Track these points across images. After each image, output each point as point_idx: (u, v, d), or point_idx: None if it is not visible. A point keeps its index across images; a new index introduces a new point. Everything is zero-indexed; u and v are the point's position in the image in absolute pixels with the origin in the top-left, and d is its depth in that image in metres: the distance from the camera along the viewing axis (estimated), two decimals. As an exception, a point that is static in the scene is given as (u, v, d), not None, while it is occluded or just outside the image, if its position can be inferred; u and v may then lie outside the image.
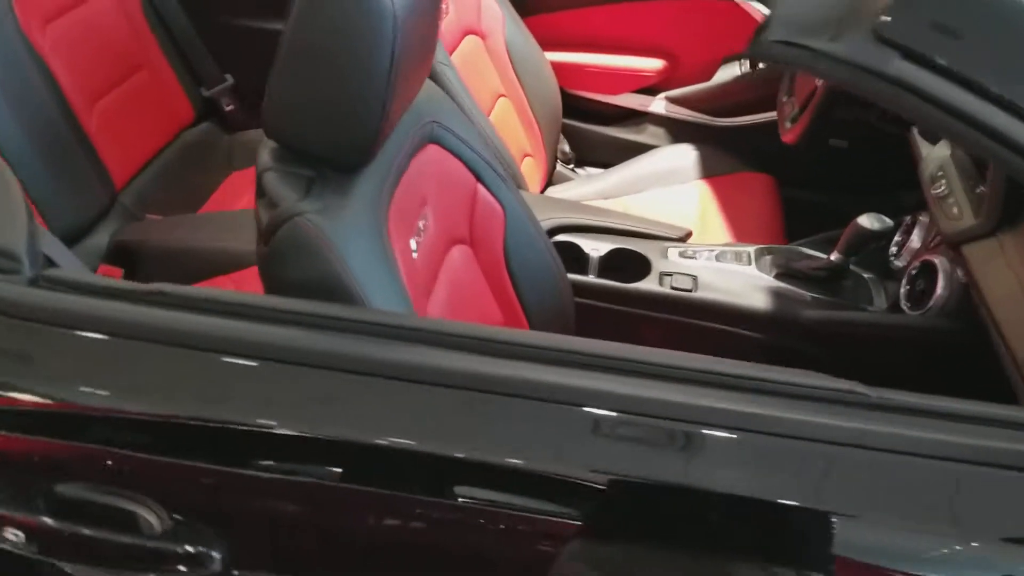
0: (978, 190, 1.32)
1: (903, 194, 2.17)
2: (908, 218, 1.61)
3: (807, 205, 2.06)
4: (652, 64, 2.20)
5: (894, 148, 1.67)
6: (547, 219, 1.59)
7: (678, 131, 2.25)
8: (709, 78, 2.21)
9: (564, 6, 2.17)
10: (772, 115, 2.16)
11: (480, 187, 1.31)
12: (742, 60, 2.19)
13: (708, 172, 2.09)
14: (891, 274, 1.59)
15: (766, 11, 2.06)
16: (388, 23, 0.90)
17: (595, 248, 1.61)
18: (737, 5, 2.06)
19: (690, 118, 2.24)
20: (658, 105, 2.26)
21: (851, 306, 1.50)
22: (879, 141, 1.73)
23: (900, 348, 1.44)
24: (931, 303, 1.43)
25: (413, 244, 1.15)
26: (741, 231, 1.86)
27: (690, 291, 1.52)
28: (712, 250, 1.61)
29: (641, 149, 2.21)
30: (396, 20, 0.90)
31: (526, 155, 1.98)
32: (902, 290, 1.51)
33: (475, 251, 1.34)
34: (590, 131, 2.30)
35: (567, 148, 2.28)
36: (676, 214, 1.98)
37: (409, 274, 1.09)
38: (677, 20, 2.14)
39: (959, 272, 1.40)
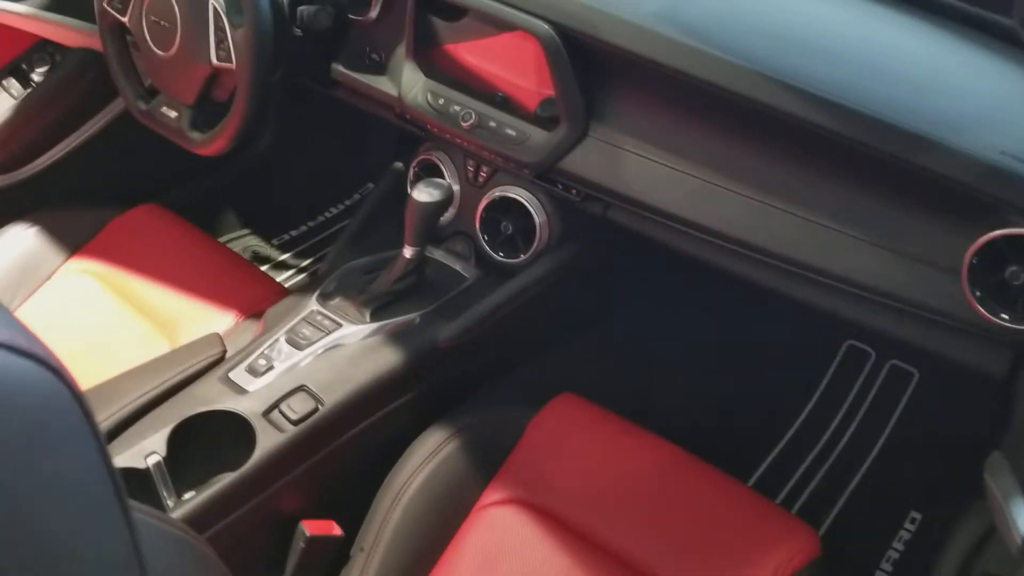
0: (543, 104, 1.12)
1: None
2: (412, 167, 1.35)
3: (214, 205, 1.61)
4: None
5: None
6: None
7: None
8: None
9: None
10: (95, 127, 1.59)
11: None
12: (5, 81, 1.51)
13: (74, 240, 1.46)
14: (440, 233, 1.33)
15: (5, 5, 1.41)
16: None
17: (148, 453, 0.99)
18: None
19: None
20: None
21: (465, 297, 1.22)
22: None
23: (542, 302, 1.24)
24: (536, 240, 1.24)
25: None
26: (213, 289, 1.36)
27: (316, 409, 1.05)
28: (275, 339, 1.13)
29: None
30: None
31: None
32: (484, 244, 1.27)
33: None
34: None
35: None
36: (94, 327, 1.35)
37: None
38: None
39: (542, 197, 1.23)
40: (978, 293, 0.88)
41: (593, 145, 1.11)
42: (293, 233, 1.95)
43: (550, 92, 1.10)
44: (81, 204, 1.52)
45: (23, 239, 1.43)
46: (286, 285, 1.81)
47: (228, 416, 1.03)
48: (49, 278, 1.43)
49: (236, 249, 1.87)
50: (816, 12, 1.04)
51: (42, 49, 1.52)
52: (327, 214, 2.01)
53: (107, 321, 1.35)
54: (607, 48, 1.03)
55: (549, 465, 1.10)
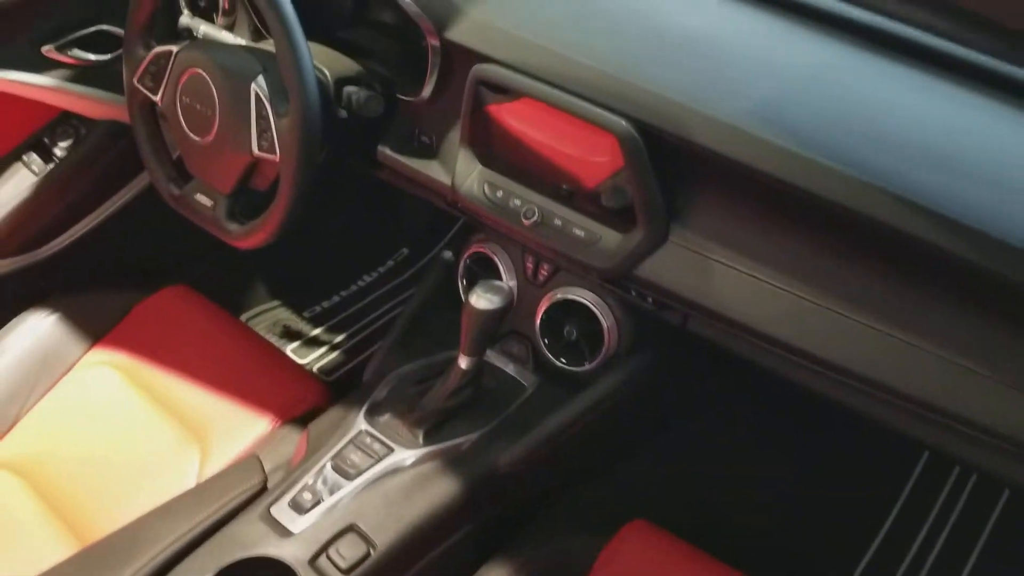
0: (608, 201, 1.01)
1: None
2: (462, 258, 1.24)
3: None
4: None
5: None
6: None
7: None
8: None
9: None
10: (120, 202, 1.51)
11: None
12: (26, 156, 1.42)
13: (96, 328, 1.37)
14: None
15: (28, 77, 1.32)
16: None
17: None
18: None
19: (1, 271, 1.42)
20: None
21: (525, 413, 1.11)
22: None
23: (611, 416, 1.12)
24: (604, 348, 1.12)
25: None
26: (245, 388, 1.25)
27: (368, 555, 0.94)
28: (320, 465, 1.02)
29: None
30: None
31: None
32: (545, 351, 1.16)
33: None
34: None
35: None
36: (114, 425, 1.25)
37: None
38: None
39: (610, 301, 1.12)
40: None
41: (673, 251, 1.00)
42: (325, 304, 1.85)
43: (622, 182, 0.99)
44: (103, 286, 1.43)
45: (41, 327, 1.34)
46: (319, 365, 1.71)
47: (272, 562, 0.91)
48: (69, 371, 1.34)
49: (266, 323, 1.78)
50: (932, 112, 0.93)
51: (65, 122, 1.43)
52: (360, 283, 1.91)
53: (132, 422, 1.25)
54: (695, 149, 0.93)
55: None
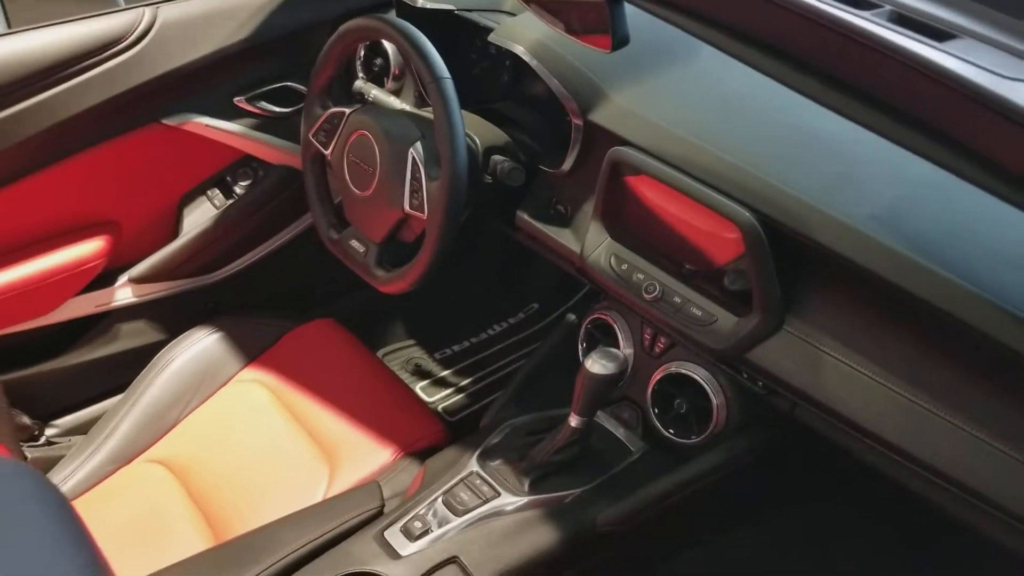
0: (728, 284, 1.07)
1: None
2: (584, 323, 1.32)
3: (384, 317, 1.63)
4: (89, 247, 1.48)
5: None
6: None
7: (168, 315, 1.60)
8: (174, 234, 1.58)
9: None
10: (283, 239, 1.66)
11: None
12: (210, 191, 1.60)
13: (251, 350, 1.51)
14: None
15: (220, 124, 1.50)
16: None
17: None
18: (177, 128, 1.46)
19: (176, 290, 1.60)
20: (123, 294, 1.56)
21: (630, 476, 1.16)
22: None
23: (713, 491, 1.16)
24: (712, 424, 1.17)
25: None
26: (375, 419, 1.36)
27: (464, 586, 1.02)
28: (432, 499, 1.11)
29: (130, 362, 1.52)
30: None
31: None
32: (653, 418, 1.22)
33: None
34: (44, 374, 1.50)
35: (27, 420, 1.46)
36: (257, 435, 1.38)
37: None
38: (103, 177, 1.45)
39: (722, 379, 1.16)
40: None
41: (787, 340, 1.04)
42: (455, 348, 1.96)
43: (742, 266, 1.05)
44: (261, 312, 1.58)
45: (205, 344, 1.49)
46: (443, 405, 1.81)
47: (379, 581, 1.01)
48: (223, 385, 1.48)
49: (399, 360, 1.90)
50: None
51: (246, 164, 1.60)
52: (490, 331, 2.01)
53: (273, 435, 1.38)
54: (817, 247, 0.97)
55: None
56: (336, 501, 1.16)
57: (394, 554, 1.04)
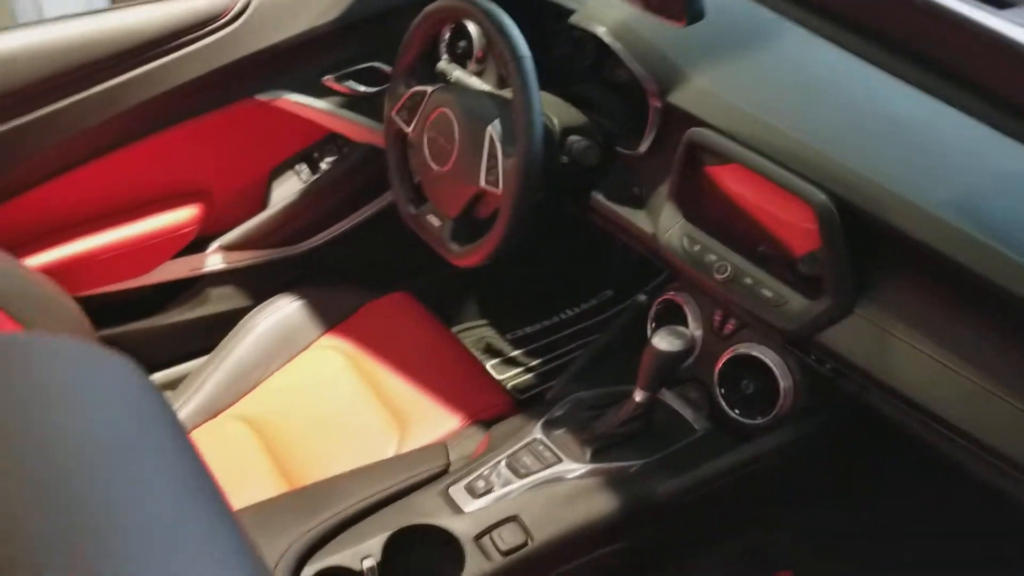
0: (801, 268, 1.08)
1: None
2: (655, 303, 1.34)
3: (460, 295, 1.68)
4: (184, 214, 1.56)
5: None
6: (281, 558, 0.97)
7: (255, 282, 1.67)
8: (263, 205, 1.65)
9: (26, 184, 1.40)
10: (365, 214, 1.73)
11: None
12: (298, 166, 1.67)
13: (331, 318, 1.57)
14: (676, 376, 1.30)
15: (309, 101, 1.56)
16: None
17: (364, 556, 1.03)
18: (268, 104, 1.52)
19: (263, 259, 1.67)
20: (214, 260, 1.64)
21: (692, 452, 1.18)
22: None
23: (774, 472, 1.17)
24: (778, 405, 1.17)
25: None
26: (445, 389, 1.40)
27: (525, 544, 1.05)
28: (497, 461, 1.15)
29: (219, 324, 1.59)
30: None
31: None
32: (720, 398, 1.23)
33: None
34: (138, 331, 1.59)
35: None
36: (334, 397, 1.44)
37: None
38: (198, 148, 1.53)
39: (790, 362, 1.16)
40: None
41: (857, 323, 1.04)
42: (528, 330, 2.00)
43: (814, 248, 1.05)
44: (341, 283, 1.64)
45: (288, 310, 1.56)
46: (513, 383, 1.85)
47: (442, 532, 1.05)
48: (304, 350, 1.55)
49: (472, 338, 1.95)
50: None
51: (331, 141, 1.67)
52: (563, 315, 2.04)
53: (347, 399, 1.44)
54: (890, 230, 0.97)
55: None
56: (404, 458, 1.21)
57: (457, 509, 1.08)
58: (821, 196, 1.01)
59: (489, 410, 1.36)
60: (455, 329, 1.95)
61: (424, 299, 1.62)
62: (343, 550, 1.03)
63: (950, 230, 0.93)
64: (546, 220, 1.91)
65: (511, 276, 1.98)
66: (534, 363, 1.91)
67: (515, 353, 1.94)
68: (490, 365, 1.90)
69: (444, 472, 1.16)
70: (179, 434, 0.44)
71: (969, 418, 0.95)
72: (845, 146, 1.04)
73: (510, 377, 1.87)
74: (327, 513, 1.06)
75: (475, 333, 1.97)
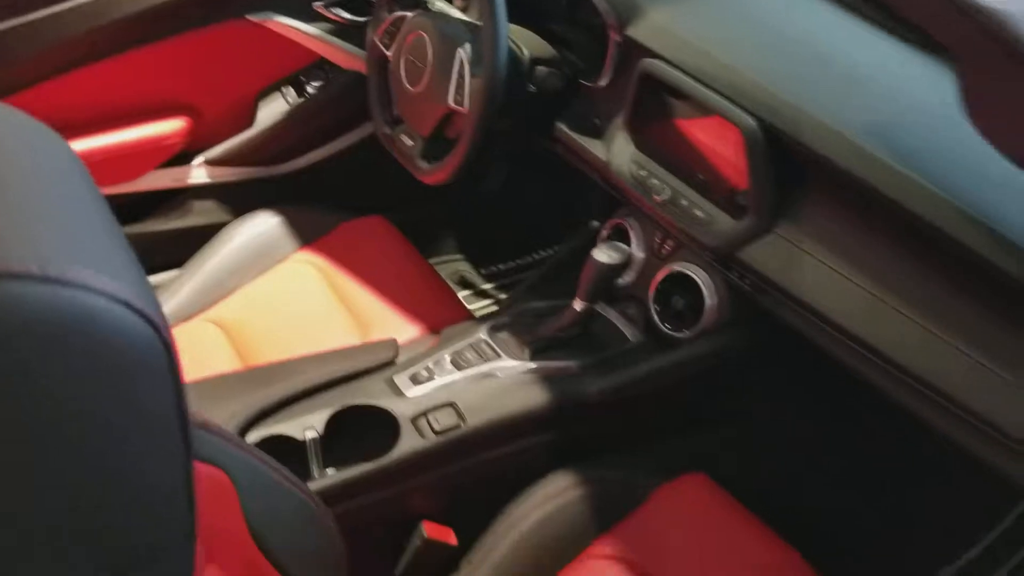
0: (733, 194, 1.16)
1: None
2: (605, 229, 1.42)
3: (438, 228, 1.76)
4: (171, 126, 1.64)
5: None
6: (230, 420, 1.06)
7: (237, 198, 1.76)
8: (249, 123, 1.73)
9: (7, 91, 1.48)
10: (348, 141, 1.79)
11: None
12: (284, 88, 1.75)
13: (307, 235, 1.65)
14: (616, 294, 1.39)
15: (299, 25, 1.64)
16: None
17: (307, 427, 1.12)
18: (259, 25, 1.60)
19: (246, 176, 1.75)
20: (198, 174, 1.72)
21: (623, 357, 1.27)
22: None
23: (695, 380, 1.26)
24: (703, 319, 1.26)
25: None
26: (409, 302, 1.49)
27: (458, 426, 1.14)
28: (441, 355, 1.24)
29: (199, 236, 1.68)
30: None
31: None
32: (654, 313, 1.32)
33: (219, 562, 0.80)
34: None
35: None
36: (303, 306, 1.53)
37: None
38: (187, 63, 1.61)
39: (717, 280, 1.25)
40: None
41: (775, 241, 1.12)
42: (501, 266, 2.08)
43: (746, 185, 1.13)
44: (320, 205, 1.72)
45: (266, 225, 1.65)
46: (481, 313, 1.94)
47: (382, 413, 1.14)
48: (279, 262, 1.63)
49: (447, 271, 2.03)
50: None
51: (319, 66, 1.74)
52: (535, 255, 2.13)
53: (316, 308, 1.53)
54: (807, 152, 1.05)
55: (663, 536, 1.12)
56: (356, 348, 1.30)
57: (399, 393, 1.18)
58: (749, 120, 1.09)
59: (448, 322, 1.45)
60: (431, 261, 2.04)
61: (402, 229, 1.70)
62: (289, 421, 1.12)
63: (865, 155, 1.01)
64: (517, 150, 2.00)
65: (490, 214, 2.06)
66: (503, 296, 1.99)
67: (487, 287, 2.03)
68: (462, 296, 1.98)
69: (391, 363, 1.25)
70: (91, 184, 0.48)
71: (866, 328, 1.04)
72: (777, 77, 1.12)
73: (478, 308, 1.96)
74: (277, 388, 1.16)
75: (450, 266, 2.06)
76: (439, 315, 1.48)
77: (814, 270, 1.08)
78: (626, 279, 1.37)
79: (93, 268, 0.35)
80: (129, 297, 0.36)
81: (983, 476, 1.01)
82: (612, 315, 1.35)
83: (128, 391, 0.36)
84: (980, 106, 0.75)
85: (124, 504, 0.37)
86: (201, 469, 0.79)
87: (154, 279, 1.75)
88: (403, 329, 1.45)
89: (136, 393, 0.36)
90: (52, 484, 0.35)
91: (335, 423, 1.13)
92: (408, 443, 1.12)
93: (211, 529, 0.79)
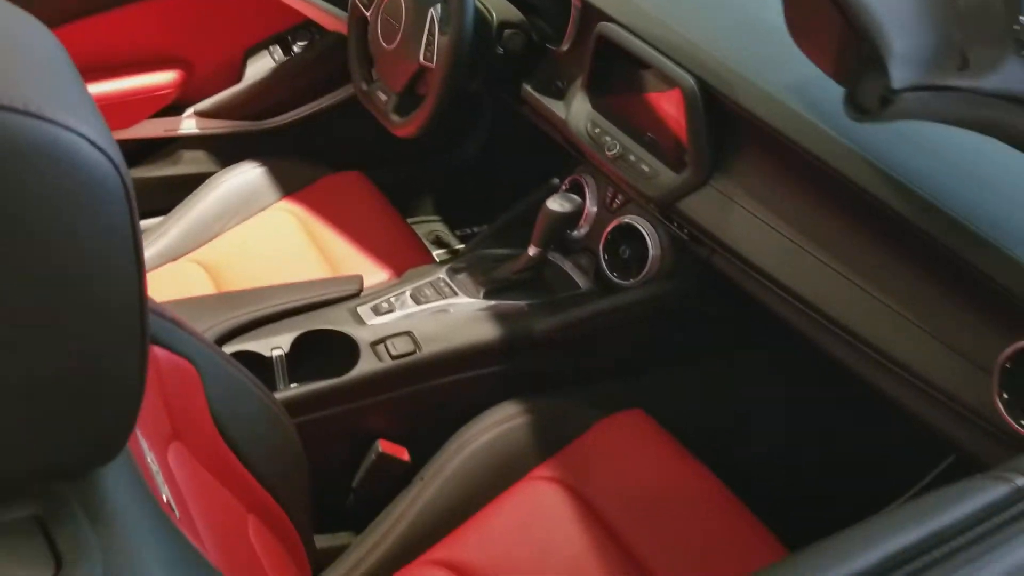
0: (684, 152, 1.25)
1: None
2: (563, 184, 1.52)
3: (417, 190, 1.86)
4: (164, 78, 1.74)
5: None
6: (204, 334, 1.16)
7: (224, 149, 1.85)
8: (237, 78, 1.83)
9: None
10: (331, 100, 1.89)
11: (158, 350, 0.87)
12: (272, 47, 1.85)
13: (289, 186, 1.75)
14: (570, 246, 1.49)
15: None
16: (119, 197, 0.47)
17: (275, 346, 1.22)
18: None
19: (233, 129, 1.85)
20: (188, 124, 1.82)
21: (571, 300, 1.37)
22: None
23: (637, 324, 1.36)
24: (647, 268, 1.36)
25: (164, 495, 0.72)
26: (379, 250, 1.59)
27: (414, 352, 1.25)
28: (402, 291, 1.34)
29: (187, 184, 1.77)
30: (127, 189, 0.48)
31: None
32: (603, 262, 1.42)
33: (184, 440, 0.91)
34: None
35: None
36: (282, 251, 1.63)
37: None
38: (180, 19, 1.70)
39: (660, 232, 1.35)
40: (1006, 396, 0.91)
41: (710, 193, 1.22)
42: (475, 229, 2.18)
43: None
44: (303, 159, 1.82)
45: (251, 175, 1.74)
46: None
47: (344, 337, 1.24)
48: (262, 211, 1.73)
49: (423, 231, 2.13)
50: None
51: (306, 28, 1.84)
52: None
53: (292, 252, 1.63)
54: (739, 110, 1.15)
55: (600, 463, 1.22)
56: (324, 280, 1.40)
57: (361, 322, 1.28)
58: (689, 79, 1.19)
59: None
60: (409, 220, 2.13)
61: (382, 189, 1.79)
62: (258, 340, 1.22)
63: (790, 113, 1.11)
64: (486, 110, 2.09)
65: (468, 178, 2.16)
66: (475, 255, 2.09)
67: (461, 247, 2.12)
68: (436, 254, 2.08)
69: (356, 296, 1.35)
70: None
71: (787, 272, 1.14)
72: (717, 40, 1.21)
73: (451, 266, 2.06)
74: (248, 309, 1.26)
75: (427, 226, 2.16)
76: (406, 262, 1.58)
77: (743, 220, 1.18)
78: (580, 232, 1.47)
79: (68, 112, 0.45)
80: (96, 138, 0.46)
81: (897, 413, 1.10)
82: (567, 266, 1.45)
83: (90, 209, 0.46)
84: (798, 31, 0.86)
85: (81, 305, 0.47)
86: (171, 359, 0.90)
87: (144, 223, 1.84)
88: (371, 272, 1.55)
89: (96, 213, 0.46)
90: (17, 283, 0.44)
91: (300, 345, 1.24)
92: (367, 364, 1.22)
93: (177, 410, 0.89)
